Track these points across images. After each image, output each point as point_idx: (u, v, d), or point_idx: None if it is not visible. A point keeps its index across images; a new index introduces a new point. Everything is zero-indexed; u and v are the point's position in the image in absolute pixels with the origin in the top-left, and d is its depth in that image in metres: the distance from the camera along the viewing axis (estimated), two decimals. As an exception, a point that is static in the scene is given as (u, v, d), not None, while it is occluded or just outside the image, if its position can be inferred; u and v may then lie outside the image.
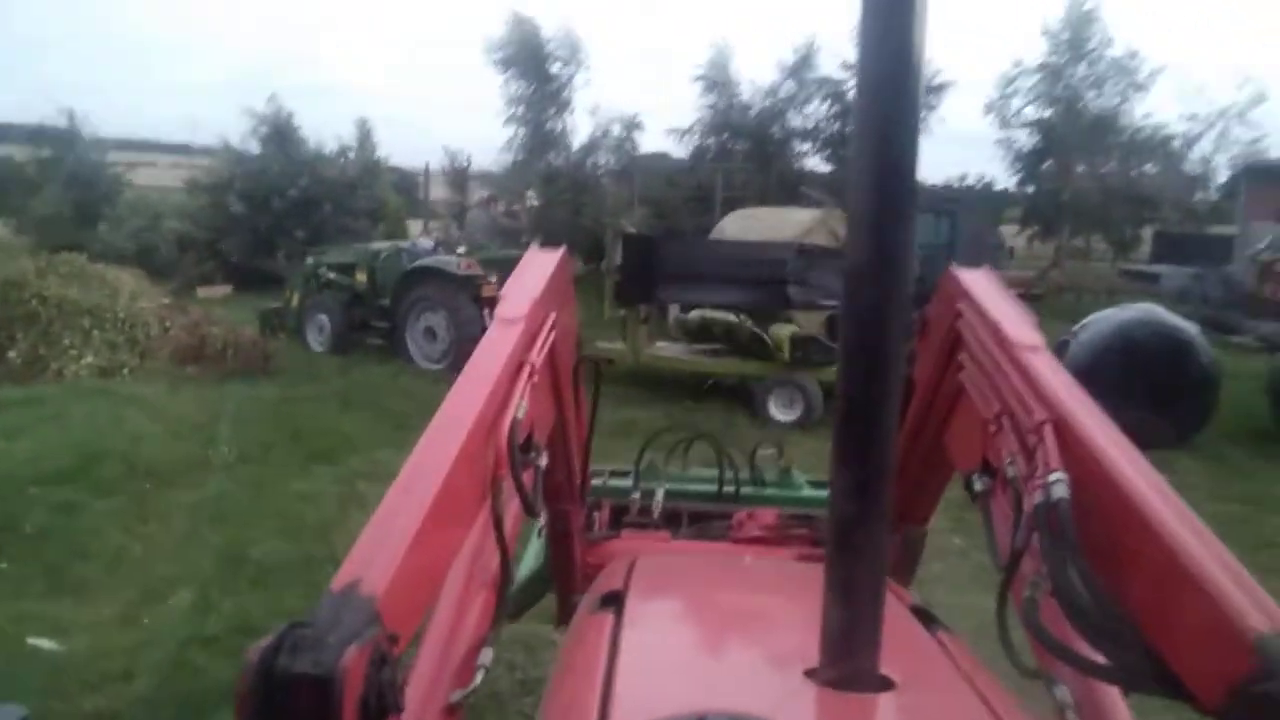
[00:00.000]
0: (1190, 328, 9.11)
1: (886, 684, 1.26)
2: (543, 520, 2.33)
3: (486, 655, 1.45)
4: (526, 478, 1.48)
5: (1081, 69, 28.73)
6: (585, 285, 16.79)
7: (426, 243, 13.02)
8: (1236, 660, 0.94)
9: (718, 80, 23.10)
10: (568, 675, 1.50)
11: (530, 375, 1.59)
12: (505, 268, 11.02)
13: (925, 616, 1.68)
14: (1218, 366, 9.04)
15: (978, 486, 1.67)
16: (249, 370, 10.99)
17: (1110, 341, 9.06)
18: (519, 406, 1.48)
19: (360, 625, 0.92)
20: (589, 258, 19.26)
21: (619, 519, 3.01)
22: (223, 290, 18.15)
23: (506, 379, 1.52)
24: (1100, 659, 1.17)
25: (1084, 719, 1.42)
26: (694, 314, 11.33)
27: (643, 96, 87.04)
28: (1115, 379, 8.30)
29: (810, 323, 11.28)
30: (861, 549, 1.22)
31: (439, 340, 11.66)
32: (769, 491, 3.35)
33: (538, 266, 2.00)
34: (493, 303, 10.53)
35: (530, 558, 3.22)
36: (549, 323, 1.83)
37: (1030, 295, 19.81)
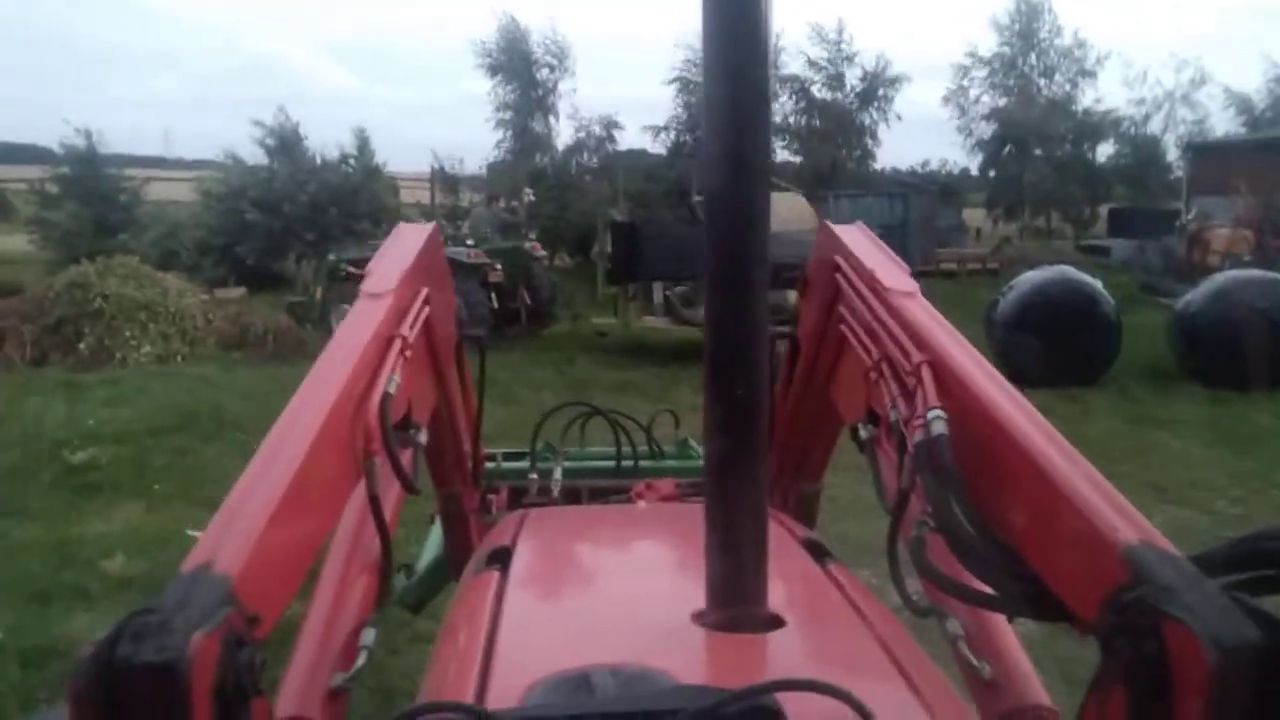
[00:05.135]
0: (1095, 283, 10.73)
1: (775, 622, 1.25)
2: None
3: (369, 636, 1.42)
4: (405, 456, 1.42)
5: (1032, 58, 30.48)
6: (577, 273, 18.35)
7: (436, 237, 14.54)
8: (1108, 572, 0.92)
9: (692, 80, 24.01)
10: (451, 637, 1.44)
11: (402, 349, 1.53)
12: (507, 257, 13.45)
13: (817, 550, 1.66)
14: (1119, 315, 10.65)
15: (863, 434, 1.66)
16: (287, 354, 12.49)
17: (1032, 297, 10.70)
18: (390, 381, 1.42)
19: (212, 606, 0.87)
20: (577, 250, 20.73)
21: (517, 501, 2.86)
22: (238, 291, 19.22)
23: (374, 353, 1.46)
24: (986, 590, 1.17)
25: (974, 649, 1.43)
26: (679, 289, 12.91)
27: (620, 89, 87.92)
28: (1037, 326, 10.16)
29: None
30: (739, 484, 1.22)
31: (453, 320, 13.26)
32: (667, 463, 3.32)
33: (406, 242, 1.90)
34: (499, 287, 12.85)
35: (432, 546, 3.17)
36: (420, 297, 1.76)
37: (987, 269, 21.43)
